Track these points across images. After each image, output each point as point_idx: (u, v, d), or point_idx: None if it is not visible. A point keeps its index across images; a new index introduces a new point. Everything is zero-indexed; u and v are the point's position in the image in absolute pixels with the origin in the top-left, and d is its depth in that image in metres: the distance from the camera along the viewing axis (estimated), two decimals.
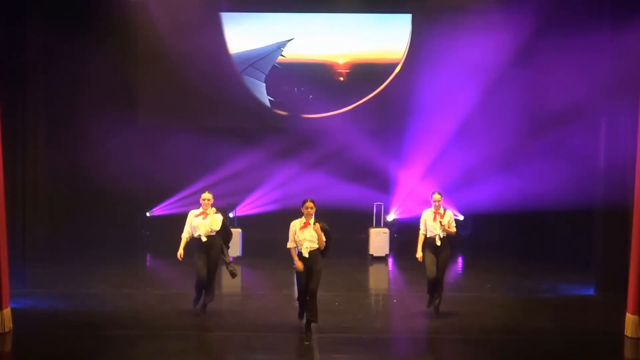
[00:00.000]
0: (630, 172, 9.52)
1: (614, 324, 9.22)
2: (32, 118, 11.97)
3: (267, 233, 13.82)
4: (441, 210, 9.40)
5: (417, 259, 9.51)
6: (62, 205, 13.77)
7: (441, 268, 9.45)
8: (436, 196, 9.42)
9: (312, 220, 8.75)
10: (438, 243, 9.34)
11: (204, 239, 9.32)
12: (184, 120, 15.09)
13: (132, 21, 14.36)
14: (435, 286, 9.53)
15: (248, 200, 14.84)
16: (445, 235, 9.38)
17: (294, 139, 14.97)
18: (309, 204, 8.74)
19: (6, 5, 10.34)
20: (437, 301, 9.60)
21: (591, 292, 11.10)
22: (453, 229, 9.42)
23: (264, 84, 15.29)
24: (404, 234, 14.93)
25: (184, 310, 9.75)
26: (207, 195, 9.42)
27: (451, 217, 9.45)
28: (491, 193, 14.84)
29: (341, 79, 15.25)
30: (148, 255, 14.15)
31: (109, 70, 14.08)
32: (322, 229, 8.76)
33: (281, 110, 15.37)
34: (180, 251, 9.39)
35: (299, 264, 8.74)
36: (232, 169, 14.70)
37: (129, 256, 13.70)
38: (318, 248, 8.79)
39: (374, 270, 13.12)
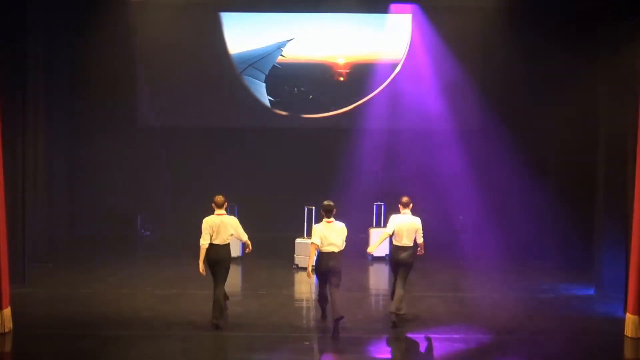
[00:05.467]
0: (631, 172, 9.52)
1: (614, 324, 9.23)
2: (32, 118, 11.96)
3: (267, 233, 13.83)
4: None
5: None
6: (62, 205, 13.76)
7: None
8: None
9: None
10: None
11: None
12: (184, 120, 15.08)
13: (132, 21, 14.36)
14: None
15: (248, 200, 14.81)
16: None
17: (294, 139, 14.96)
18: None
19: (6, 5, 10.33)
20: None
21: (591, 292, 11.10)
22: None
23: (264, 84, 15.28)
24: None
25: (184, 310, 9.76)
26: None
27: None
28: (491, 192, 14.86)
29: (341, 79, 15.24)
30: (148, 255, 14.15)
31: (109, 70, 14.09)
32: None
33: (281, 110, 15.37)
34: None
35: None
36: (231, 168, 14.68)
37: (129, 256, 13.70)
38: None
39: (374, 270, 13.12)
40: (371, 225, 13.77)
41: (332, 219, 9.15)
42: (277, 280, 11.79)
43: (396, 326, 9.18)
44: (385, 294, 11.18)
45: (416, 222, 9.51)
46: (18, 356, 8.50)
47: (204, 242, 9.06)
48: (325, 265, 9.04)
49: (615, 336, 8.91)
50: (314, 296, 9.97)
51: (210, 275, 9.23)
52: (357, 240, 14.04)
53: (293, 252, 12.68)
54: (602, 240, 11.23)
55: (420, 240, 9.53)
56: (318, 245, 9.02)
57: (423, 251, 9.67)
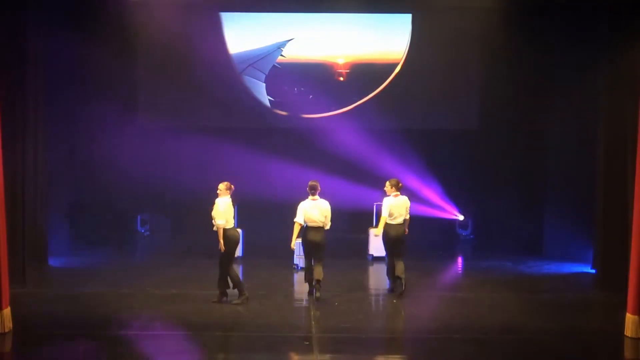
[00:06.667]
0: (631, 172, 9.52)
1: (614, 324, 9.22)
2: (32, 118, 11.95)
3: (267, 233, 13.84)
4: None
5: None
6: (62, 205, 13.76)
7: None
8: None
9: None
10: None
11: None
12: (184, 120, 15.09)
13: (132, 21, 14.35)
14: None
15: (247, 200, 14.79)
16: None
17: (294, 139, 14.96)
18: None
19: (6, 5, 10.33)
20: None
21: (591, 291, 11.10)
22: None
23: (264, 84, 15.29)
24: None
25: (184, 310, 9.75)
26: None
27: None
28: (490, 192, 14.87)
29: (341, 79, 15.25)
30: (148, 255, 14.14)
31: (109, 69, 14.09)
32: None
33: (281, 110, 15.37)
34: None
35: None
36: (231, 168, 14.67)
37: (129, 256, 13.68)
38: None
39: (374, 270, 13.11)
40: (371, 225, 13.79)
41: (316, 196, 10.17)
42: (277, 280, 11.79)
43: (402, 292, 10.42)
44: (385, 294, 11.19)
45: (407, 201, 10.70)
46: (18, 356, 8.49)
47: (223, 224, 9.88)
48: (309, 239, 10.17)
49: (615, 336, 8.90)
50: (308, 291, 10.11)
51: (220, 256, 10.02)
52: (357, 240, 14.10)
53: (293, 252, 12.66)
54: (602, 240, 11.24)
55: (406, 216, 10.64)
56: (301, 224, 10.11)
57: (407, 230, 10.72)
